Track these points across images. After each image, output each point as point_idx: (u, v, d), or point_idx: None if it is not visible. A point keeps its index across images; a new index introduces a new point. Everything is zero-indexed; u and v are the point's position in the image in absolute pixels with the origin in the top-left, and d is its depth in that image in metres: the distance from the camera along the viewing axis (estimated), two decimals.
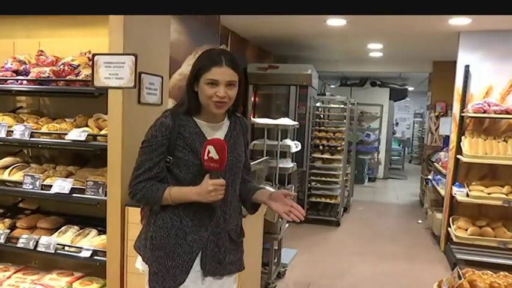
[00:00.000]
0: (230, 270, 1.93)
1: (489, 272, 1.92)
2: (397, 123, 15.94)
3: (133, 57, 2.47)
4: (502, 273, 1.89)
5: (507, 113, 4.44)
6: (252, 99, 5.76)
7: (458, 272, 1.83)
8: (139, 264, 1.97)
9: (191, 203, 1.80)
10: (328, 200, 6.35)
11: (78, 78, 2.78)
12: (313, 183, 6.41)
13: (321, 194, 6.38)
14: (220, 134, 1.89)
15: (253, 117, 5.71)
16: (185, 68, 3.77)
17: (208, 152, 1.69)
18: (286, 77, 5.57)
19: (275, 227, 3.72)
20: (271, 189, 2.12)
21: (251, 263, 2.92)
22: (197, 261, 1.84)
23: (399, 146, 14.20)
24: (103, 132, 2.74)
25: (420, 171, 8.80)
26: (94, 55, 2.56)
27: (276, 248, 3.99)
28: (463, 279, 1.83)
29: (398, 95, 11.57)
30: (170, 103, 3.49)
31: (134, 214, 2.69)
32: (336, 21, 4.67)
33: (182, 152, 1.81)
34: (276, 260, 4.04)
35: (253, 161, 3.74)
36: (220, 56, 1.77)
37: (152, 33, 2.87)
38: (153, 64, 2.84)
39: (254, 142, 4.41)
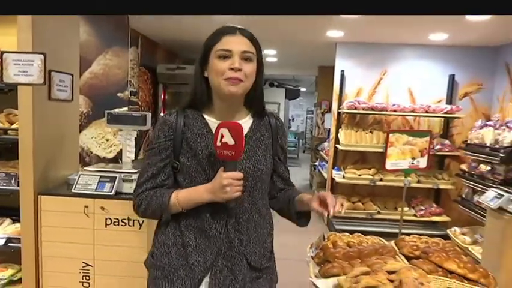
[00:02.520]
0: None
1: (347, 233, 2.18)
2: (293, 119, 16.65)
3: (42, 56, 2.39)
4: (355, 234, 2.15)
5: (372, 109, 4.83)
6: (162, 96, 5.72)
7: (323, 235, 2.06)
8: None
9: (194, 216, 1.35)
10: None
11: None
12: None
13: None
14: None
15: (163, 112, 5.69)
16: (96, 67, 3.68)
17: (222, 136, 1.25)
18: (193, 77, 5.60)
19: None
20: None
21: None
22: None
23: (294, 138, 14.86)
24: (14, 126, 2.61)
25: (310, 159, 9.30)
26: (2, 53, 2.43)
27: None
28: (327, 240, 2.07)
29: (292, 94, 12.10)
30: (81, 99, 3.40)
31: (48, 202, 2.62)
32: None
33: (185, 156, 1.35)
34: None
35: None
36: (233, 27, 1.35)
37: (62, 33, 2.78)
38: (63, 63, 2.75)
39: None
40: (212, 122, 1.39)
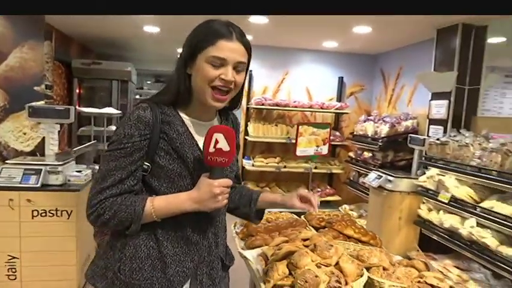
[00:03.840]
0: None
1: None
2: None
3: None
4: (272, 211, 2.34)
5: (277, 105, 5.07)
6: (77, 91, 5.38)
7: None
8: None
9: (174, 224, 1.14)
10: None
11: None
12: None
13: None
14: None
15: (79, 106, 5.35)
16: (11, 60, 3.36)
17: (216, 141, 1.08)
18: (109, 72, 5.35)
19: None
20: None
21: (86, 233, 2.88)
22: None
23: None
24: None
25: None
26: None
27: None
28: None
29: None
30: None
31: None
32: (151, 28, 4.72)
33: (165, 158, 1.12)
34: None
35: (81, 145, 3.60)
36: (229, 27, 1.12)
37: None
38: None
39: (82, 128, 4.20)
40: (188, 120, 1.19)
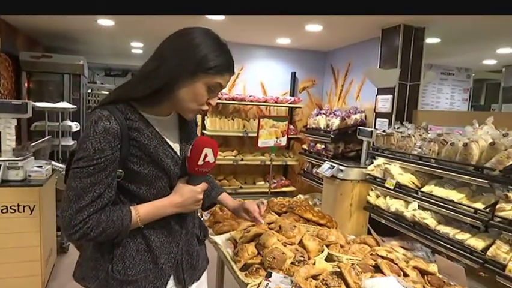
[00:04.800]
0: (203, 267, 1.40)
1: None
2: None
3: None
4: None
5: (233, 99, 5.17)
6: (26, 85, 5.15)
7: None
8: None
9: (158, 219, 1.20)
10: None
11: None
12: None
13: None
14: (172, 132, 1.25)
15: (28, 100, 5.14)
16: None
17: (205, 155, 1.17)
18: (60, 66, 5.17)
19: None
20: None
21: (49, 227, 2.85)
22: (171, 280, 1.25)
23: None
24: None
25: None
26: None
27: None
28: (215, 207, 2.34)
29: None
30: None
31: None
32: (105, 22, 4.65)
33: (139, 164, 1.13)
34: None
35: (32, 141, 3.51)
36: (233, 62, 1.18)
37: None
38: None
39: (36, 123, 4.07)
40: (151, 118, 1.18)
